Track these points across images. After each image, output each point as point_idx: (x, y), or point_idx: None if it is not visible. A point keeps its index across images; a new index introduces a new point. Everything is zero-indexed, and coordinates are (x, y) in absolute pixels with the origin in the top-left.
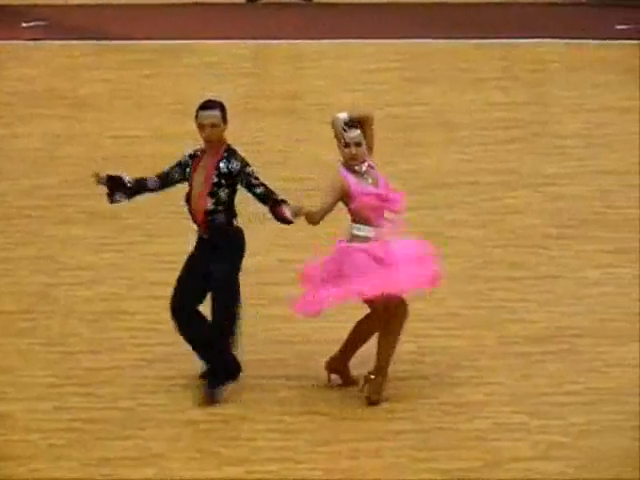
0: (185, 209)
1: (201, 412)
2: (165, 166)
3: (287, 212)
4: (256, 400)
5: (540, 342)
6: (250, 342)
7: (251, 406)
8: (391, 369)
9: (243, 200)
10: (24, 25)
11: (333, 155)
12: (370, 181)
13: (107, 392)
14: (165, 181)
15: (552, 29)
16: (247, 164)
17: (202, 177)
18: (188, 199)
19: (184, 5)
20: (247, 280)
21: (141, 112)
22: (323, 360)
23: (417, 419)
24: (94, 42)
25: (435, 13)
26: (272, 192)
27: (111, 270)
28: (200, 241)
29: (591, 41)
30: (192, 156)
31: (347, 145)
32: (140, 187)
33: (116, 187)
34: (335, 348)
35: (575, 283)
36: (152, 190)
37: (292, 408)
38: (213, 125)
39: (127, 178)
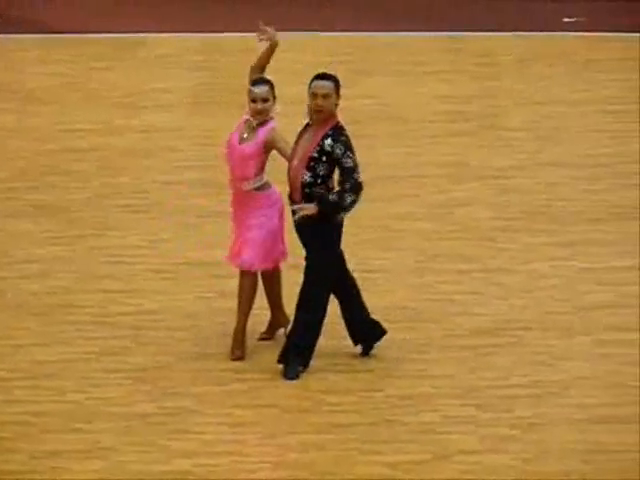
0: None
1: (150, 405)
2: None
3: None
4: (205, 393)
5: (488, 335)
6: (198, 335)
7: (200, 399)
8: (338, 362)
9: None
10: None
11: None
12: (245, 135)
13: (55, 385)
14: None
15: (500, 22)
16: (347, 155)
17: (304, 149)
18: (289, 169)
19: None
20: (196, 273)
21: (91, 105)
22: (271, 353)
23: (364, 412)
24: (43, 35)
25: (383, 6)
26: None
27: (59, 263)
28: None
29: (539, 34)
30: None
31: (254, 100)
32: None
33: None
34: (281, 340)
35: (523, 276)
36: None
37: (241, 401)
38: (325, 96)
39: None
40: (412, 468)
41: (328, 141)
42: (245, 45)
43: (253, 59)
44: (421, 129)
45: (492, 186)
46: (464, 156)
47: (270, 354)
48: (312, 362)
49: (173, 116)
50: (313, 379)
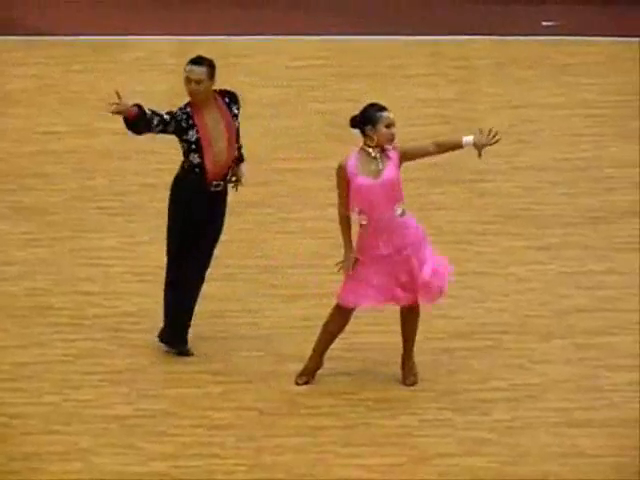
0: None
1: (127, 407)
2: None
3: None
4: (182, 395)
5: (465, 338)
6: None
7: (177, 401)
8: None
9: None
10: None
11: (256, 149)
12: (378, 166)
13: (33, 387)
14: (165, 127)
15: (479, 26)
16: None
17: (220, 128)
18: (202, 160)
19: (111, 0)
20: None
21: (68, 108)
22: (248, 355)
23: (341, 415)
24: (21, 37)
25: (362, 9)
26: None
27: (38, 266)
28: (209, 195)
29: (517, 37)
30: (185, 113)
31: (388, 126)
32: (148, 121)
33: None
34: (258, 343)
35: (500, 279)
36: (150, 130)
37: (217, 404)
38: (198, 81)
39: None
40: (389, 471)
41: (233, 108)
42: (219, 49)
43: (228, 62)
44: (399, 133)
45: (470, 189)
46: (442, 159)
47: (246, 358)
48: (289, 365)
49: None
50: (290, 382)
